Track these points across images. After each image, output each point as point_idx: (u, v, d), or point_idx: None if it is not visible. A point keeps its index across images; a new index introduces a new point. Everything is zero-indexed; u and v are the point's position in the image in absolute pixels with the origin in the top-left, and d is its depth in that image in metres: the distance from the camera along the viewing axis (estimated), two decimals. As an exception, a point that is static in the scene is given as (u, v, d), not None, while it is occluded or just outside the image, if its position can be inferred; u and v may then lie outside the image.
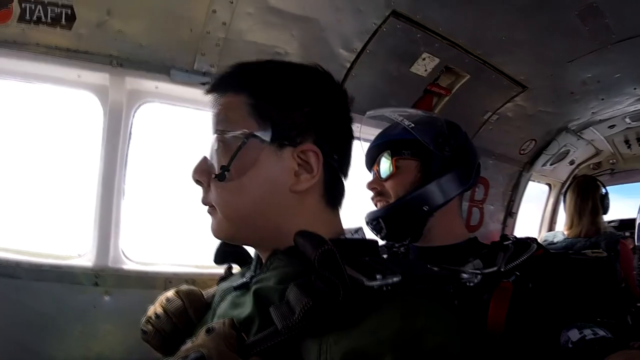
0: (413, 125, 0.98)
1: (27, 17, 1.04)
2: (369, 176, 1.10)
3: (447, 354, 0.39)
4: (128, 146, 1.32)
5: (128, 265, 1.32)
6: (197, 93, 1.36)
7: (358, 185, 1.02)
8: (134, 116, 1.34)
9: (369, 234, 1.13)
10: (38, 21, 1.05)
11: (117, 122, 1.28)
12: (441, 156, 0.98)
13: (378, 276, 0.43)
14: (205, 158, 0.60)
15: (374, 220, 1.01)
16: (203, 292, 0.71)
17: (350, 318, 0.42)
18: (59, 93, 1.28)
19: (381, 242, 1.19)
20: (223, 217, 0.57)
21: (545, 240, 2.08)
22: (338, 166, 0.61)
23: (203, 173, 0.59)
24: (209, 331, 0.45)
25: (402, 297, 0.44)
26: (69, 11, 1.07)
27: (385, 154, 1.03)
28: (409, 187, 0.98)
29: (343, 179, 0.64)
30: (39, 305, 1.18)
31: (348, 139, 0.64)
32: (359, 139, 1.19)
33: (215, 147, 0.57)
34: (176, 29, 1.22)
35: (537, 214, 2.95)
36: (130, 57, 1.22)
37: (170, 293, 0.67)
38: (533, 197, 2.70)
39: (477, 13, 1.38)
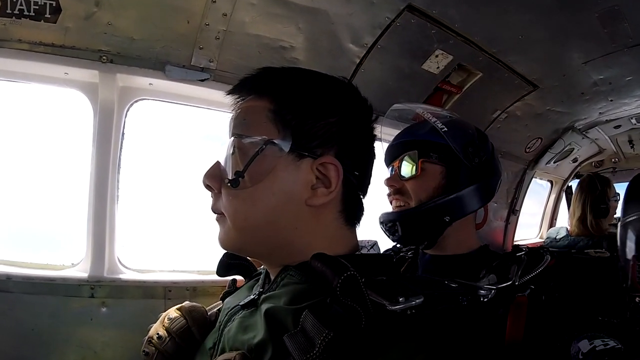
0: (446, 129, 0.94)
1: (9, 10, 0.94)
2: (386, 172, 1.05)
3: None
4: (121, 147, 1.25)
5: (125, 275, 1.27)
6: (195, 90, 1.28)
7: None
8: (126, 115, 1.26)
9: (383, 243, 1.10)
10: (20, 15, 0.95)
11: (108, 122, 1.20)
12: (469, 167, 0.94)
13: (401, 299, 0.41)
14: (218, 163, 0.57)
15: (389, 222, 0.97)
16: (207, 309, 0.69)
17: (372, 347, 0.39)
18: (45, 92, 1.19)
19: (388, 247, 1.16)
20: (232, 226, 0.54)
21: (548, 238, 2.09)
22: (357, 183, 0.58)
23: (215, 178, 0.56)
24: None
25: (425, 328, 0.42)
26: (54, 3, 0.97)
27: (411, 154, 0.98)
28: (432, 192, 0.96)
29: (361, 198, 0.60)
30: (33, 319, 1.12)
31: (370, 157, 0.61)
32: (380, 139, 1.14)
33: (231, 152, 0.54)
34: (172, 21, 1.12)
35: (533, 207, 2.97)
36: (122, 52, 1.14)
37: (172, 311, 0.65)
38: (531, 191, 2.70)
39: (494, 10, 1.31)
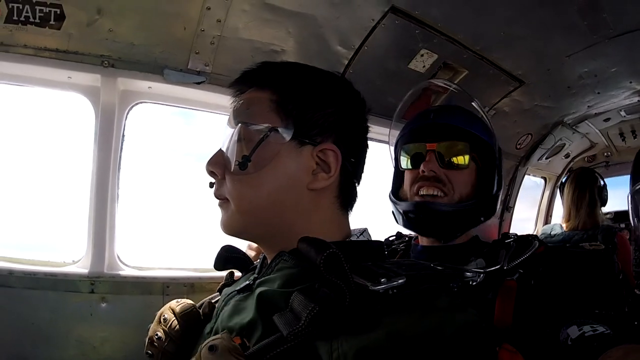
0: (493, 131, 0.94)
1: (15, 17, 1.00)
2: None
3: (469, 333, 0.40)
4: (121, 148, 1.29)
5: (124, 271, 1.29)
6: (192, 93, 1.34)
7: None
8: (126, 118, 1.31)
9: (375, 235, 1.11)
10: (26, 21, 1.01)
11: (110, 124, 1.25)
12: (498, 171, 0.96)
13: (382, 280, 0.43)
14: (221, 151, 0.60)
15: (425, 212, 0.91)
16: (201, 302, 0.70)
17: (358, 323, 0.41)
18: (49, 96, 1.24)
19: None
20: (236, 210, 0.57)
21: (543, 234, 2.09)
22: (353, 170, 0.61)
23: (218, 165, 0.59)
24: (212, 349, 0.44)
25: (412, 297, 0.43)
26: (58, 11, 1.03)
27: (463, 144, 0.93)
28: (470, 189, 0.94)
29: (356, 185, 0.64)
30: (34, 314, 1.15)
31: (364, 145, 0.65)
32: (387, 142, 1.12)
33: (236, 138, 0.57)
34: (169, 27, 1.18)
35: (525, 205, 2.94)
36: (122, 56, 1.19)
37: (166, 311, 0.66)
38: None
39: (476, 8, 1.36)
